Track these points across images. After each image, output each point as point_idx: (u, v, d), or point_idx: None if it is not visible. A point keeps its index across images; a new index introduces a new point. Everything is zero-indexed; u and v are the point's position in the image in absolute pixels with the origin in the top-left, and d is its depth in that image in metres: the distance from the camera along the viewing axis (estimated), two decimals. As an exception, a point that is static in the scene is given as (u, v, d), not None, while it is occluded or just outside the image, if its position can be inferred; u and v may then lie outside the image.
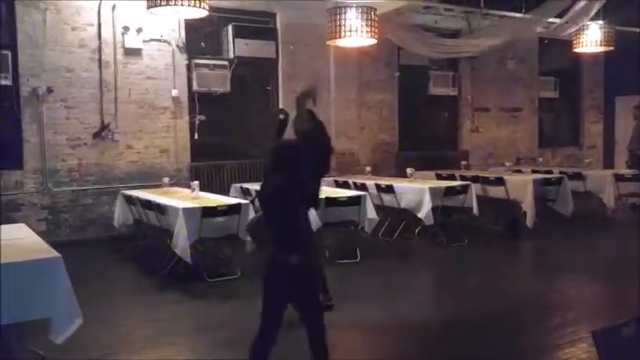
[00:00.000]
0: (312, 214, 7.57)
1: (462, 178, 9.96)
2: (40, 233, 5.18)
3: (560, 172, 10.65)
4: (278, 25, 10.75)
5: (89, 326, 4.28)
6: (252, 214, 6.54)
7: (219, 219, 6.75)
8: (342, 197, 7.76)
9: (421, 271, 7.86)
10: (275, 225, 3.54)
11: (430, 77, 12.74)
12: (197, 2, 6.67)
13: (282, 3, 10.31)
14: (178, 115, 9.94)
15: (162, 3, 6.62)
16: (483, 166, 12.53)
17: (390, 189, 8.90)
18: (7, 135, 8.86)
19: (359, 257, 7.66)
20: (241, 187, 9.05)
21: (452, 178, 10.20)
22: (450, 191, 8.72)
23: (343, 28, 8.47)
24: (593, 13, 10.68)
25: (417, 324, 5.31)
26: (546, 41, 13.86)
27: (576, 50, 11.40)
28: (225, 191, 9.30)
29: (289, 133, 4.80)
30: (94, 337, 4.80)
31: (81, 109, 9.19)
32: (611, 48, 11.19)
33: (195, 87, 9.97)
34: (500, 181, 9.66)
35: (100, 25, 9.22)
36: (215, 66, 10.08)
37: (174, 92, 9.83)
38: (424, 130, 13.03)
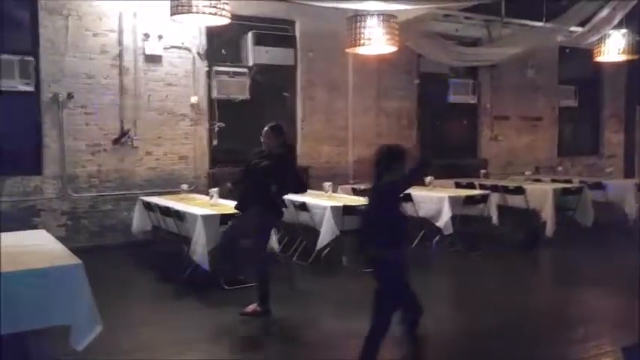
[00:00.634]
0: (331, 221, 7.64)
1: (482, 186, 9.89)
2: (59, 239, 5.18)
3: (580, 182, 10.54)
4: (297, 33, 10.77)
5: (109, 332, 4.26)
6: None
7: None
8: (360, 205, 7.72)
9: (439, 280, 7.77)
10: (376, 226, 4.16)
11: (450, 85, 12.63)
12: (220, 10, 6.68)
13: (302, 11, 10.29)
14: (198, 122, 9.96)
15: (185, 10, 6.63)
16: (502, 175, 12.44)
17: (408, 197, 8.83)
18: (27, 141, 8.95)
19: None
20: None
21: (471, 186, 10.13)
22: (469, 200, 8.65)
23: (363, 36, 8.43)
24: (616, 21, 10.42)
25: (435, 334, 5.24)
26: (567, 50, 13.69)
27: (598, 59, 10.99)
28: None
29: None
30: (114, 343, 4.80)
31: (101, 116, 9.23)
32: (635, 57, 10.75)
33: (214, 94, 10.01)
34: (519, 191, 9.58)
35: (121, 31, 9.28)
36: (235, 73, 10.10)
37: (194, 99, 9.87)
38: (443, 138, 12.95)
